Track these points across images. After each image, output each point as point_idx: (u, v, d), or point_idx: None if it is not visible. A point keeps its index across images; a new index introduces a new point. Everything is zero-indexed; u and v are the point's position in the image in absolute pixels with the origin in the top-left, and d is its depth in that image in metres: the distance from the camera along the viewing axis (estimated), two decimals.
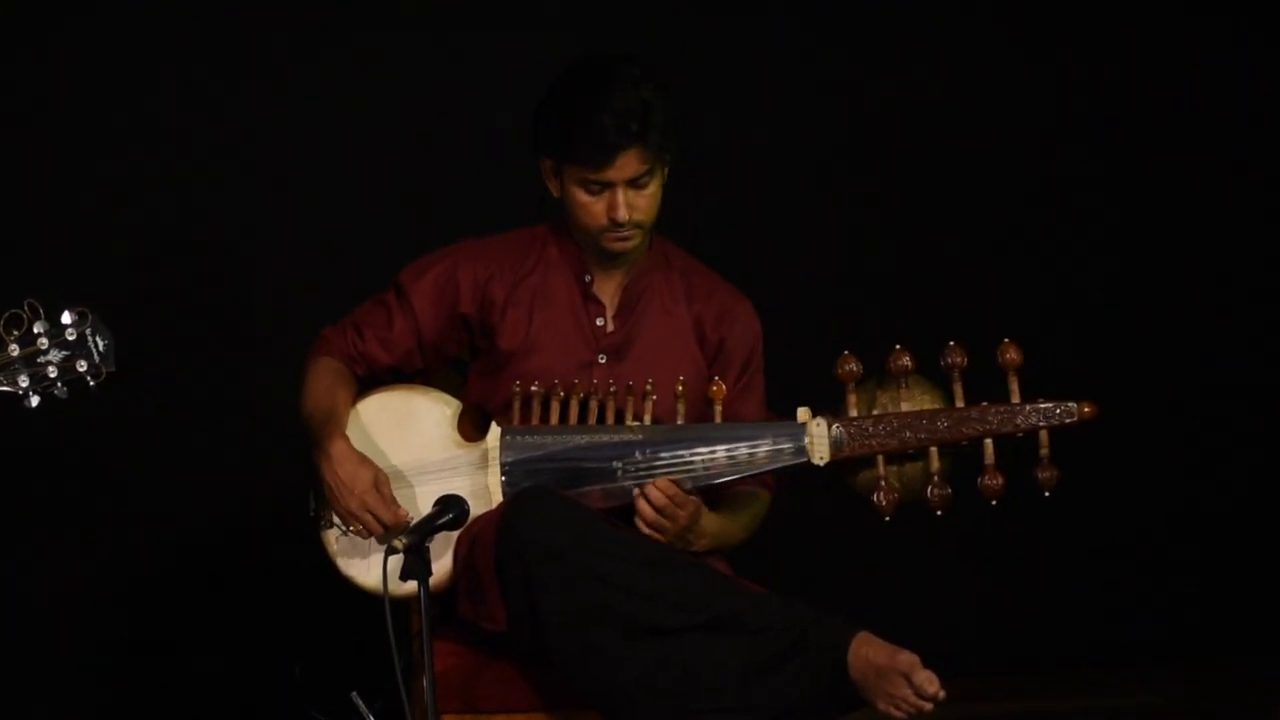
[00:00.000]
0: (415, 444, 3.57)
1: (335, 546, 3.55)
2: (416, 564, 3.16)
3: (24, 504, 4.57)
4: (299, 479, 3.61)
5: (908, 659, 3.22)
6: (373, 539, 3.50)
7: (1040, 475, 3.44)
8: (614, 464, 3.47)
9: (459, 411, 3.61)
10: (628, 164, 3.47)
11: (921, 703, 3.21)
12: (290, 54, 4.72)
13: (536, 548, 3.29)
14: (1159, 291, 5.18)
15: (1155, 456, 5.18)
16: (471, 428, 3.61)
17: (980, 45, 5.09)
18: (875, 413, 3.46)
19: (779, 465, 3.48)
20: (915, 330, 3.61)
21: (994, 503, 3.44)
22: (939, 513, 3.46)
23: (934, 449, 3.45)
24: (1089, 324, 5.14)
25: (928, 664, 3.22)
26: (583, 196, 3.52)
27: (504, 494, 3.48)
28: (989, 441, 3.44)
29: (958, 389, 3.46)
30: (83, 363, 3.12)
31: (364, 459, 3.47)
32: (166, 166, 4.65)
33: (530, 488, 3.44)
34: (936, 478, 3.45)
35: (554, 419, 3.52)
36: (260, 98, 4.70)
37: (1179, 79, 5.17)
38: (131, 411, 4.54)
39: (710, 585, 3.32)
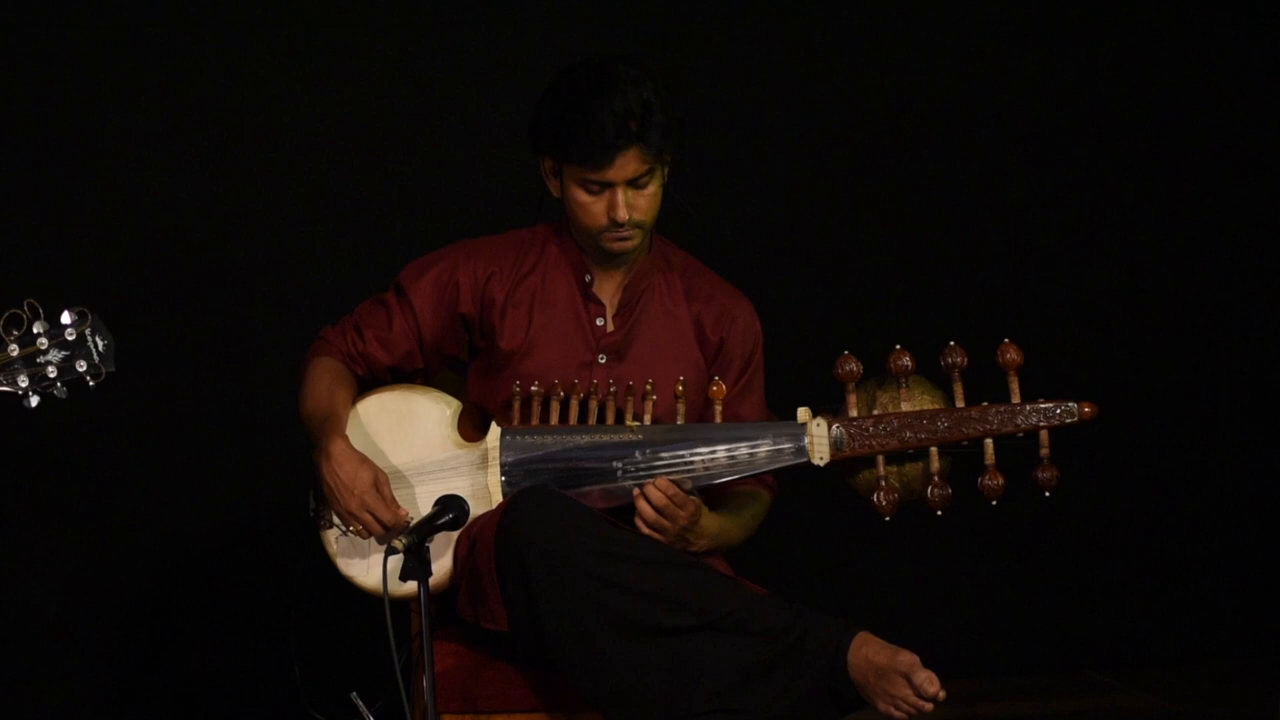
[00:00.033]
0: (415, 444, 3.56)
1: (335, 546, 3.54)
2: (416, 564, 3.16)
3: (24, 504, 4.57)
4: (298, 479, 3.61)
5: (908, 659, 3.21)
6: (373, 539, 3.49)
7: (1040, 475, 3.43)
8: (614, 464, 3.47)
9: (459, 411, 3.60)
10: (628, 164, 3.47)
11: (922, 703, 3.21)
12: (290, 54, 4.71)
13: (536, 548, 3.28)
14: (1159, 291, 5.18)
15: (1155, 456, 5.18)
16: (471, 428, 3.61)
17: (981, 46, 5.08)
18: (875, 413, 3.46)
19: (779, 465, 3.48)
20: (915, 330, 3.62)
21: (994, 503, 3.44)
22: (939, 513, 3.46)
23: (934, 449, 3.44)
24: (1089, 324, 5.14)
25: (928, 664, 3.22)
26: (582, 196, 3.52)
27: (504, 494, 3.48)
28: (989, 441, 3.44)
29: (958, 389, 3.45)
30: (82, 363, 3.11)
31: (364, 459, 3.46)
32: (166, 166, 4.64)
33: (530, 487, 3.44)
34: (937, 478, 3.45)
35: (554, 419, 3.52)
36: (260, 97, 4.69)
37: (1179, 79, 5.16)
38: (131, 411, 4.55)
39: (710, 585, 3.31)
